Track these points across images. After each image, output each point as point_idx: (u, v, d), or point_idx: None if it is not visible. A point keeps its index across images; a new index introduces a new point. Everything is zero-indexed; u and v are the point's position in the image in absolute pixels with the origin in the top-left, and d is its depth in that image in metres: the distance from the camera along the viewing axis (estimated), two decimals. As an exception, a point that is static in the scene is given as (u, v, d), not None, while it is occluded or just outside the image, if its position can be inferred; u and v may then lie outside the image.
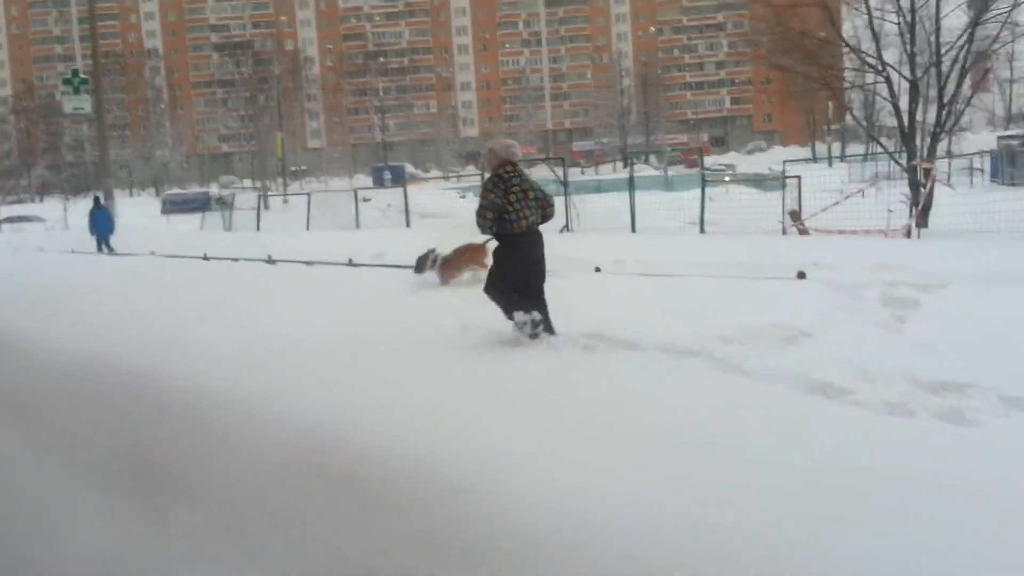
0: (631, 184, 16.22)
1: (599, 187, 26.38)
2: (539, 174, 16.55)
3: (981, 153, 29.20)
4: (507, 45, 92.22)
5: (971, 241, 10.94)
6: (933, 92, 17.28)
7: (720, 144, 79.97)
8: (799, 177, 15.92)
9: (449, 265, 8.06)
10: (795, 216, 14.80)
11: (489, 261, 7.94)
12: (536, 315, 4.90)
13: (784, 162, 19.00)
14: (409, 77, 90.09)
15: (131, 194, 69.73)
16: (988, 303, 5.71)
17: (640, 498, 2.63)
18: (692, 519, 2.48)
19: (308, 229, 22.16)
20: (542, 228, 5.21)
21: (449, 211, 22.63)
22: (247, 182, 67.90)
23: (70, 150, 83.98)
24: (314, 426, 3.51)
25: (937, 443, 3.13)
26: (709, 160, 47.55)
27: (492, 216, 4.92)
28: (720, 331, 4.93)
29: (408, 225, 20.60)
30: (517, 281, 5.04)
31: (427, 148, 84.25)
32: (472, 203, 5.30)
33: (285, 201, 32.63)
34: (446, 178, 44.76)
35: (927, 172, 14.84)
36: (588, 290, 7.30)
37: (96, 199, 22.93)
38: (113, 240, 21.32)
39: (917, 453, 3.01)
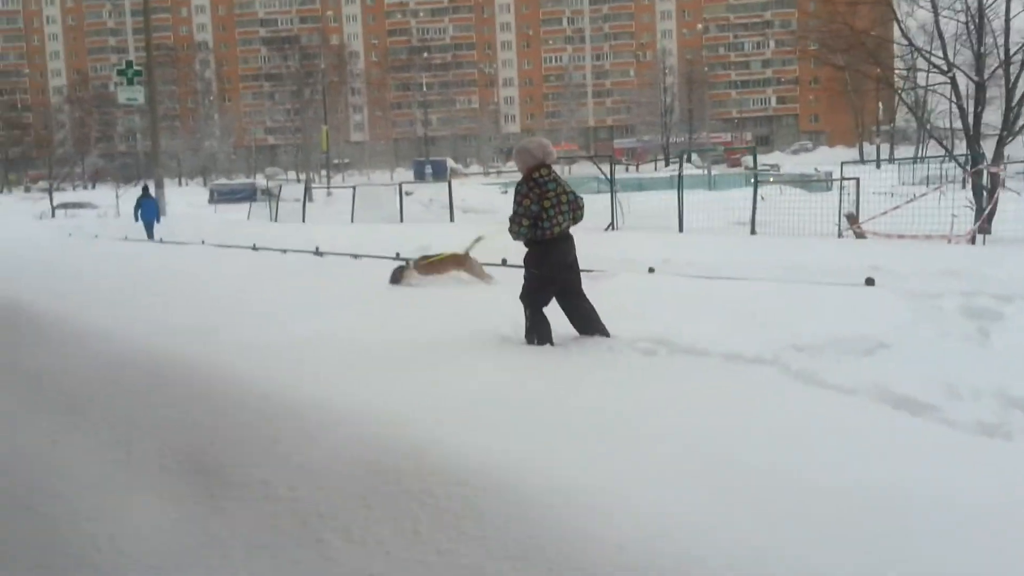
0: (679, 182, 15.90)
1: (640, 185, 26.06)
2: (585, 171, 16.33)
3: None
4: (550, 42, 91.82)
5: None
6: (991, 94, 16.65)
7: (765, 143, 78.40)
8: (857, 179, 15.43)
9: (430, 268, 8.20)
10: (852, 219, 14.36)
11: (472, 267, 8.19)
12: (548, 344, 4.83)
13: (842, 164, 18.41)
14: (452, 73, 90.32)
15: (180, 183, 71.20)
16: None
17: (717, 524, 2.45)
18: (766, 552, 2.29)
19: (352, 221, 22.28)
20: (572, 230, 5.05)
21: (491, 206, 22.59)
22: (291, 174, 68.91)
23: (122, 139, 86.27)
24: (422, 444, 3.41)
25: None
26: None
27: (528, 223, 4.80)
28: (791, 339, 4.70)
29: (452, 220, 20.58)
30: (553, 287, 4.93)
31: (468, 143, 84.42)
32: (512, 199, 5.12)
33: (329, 194, 32.92)
34: (486, 173, 44.71)
35: (993, 176, 14.27)
36: (642, 291, 7.12)
37: (145, 188, 23.36)
38: (158, 228, 21.66)
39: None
